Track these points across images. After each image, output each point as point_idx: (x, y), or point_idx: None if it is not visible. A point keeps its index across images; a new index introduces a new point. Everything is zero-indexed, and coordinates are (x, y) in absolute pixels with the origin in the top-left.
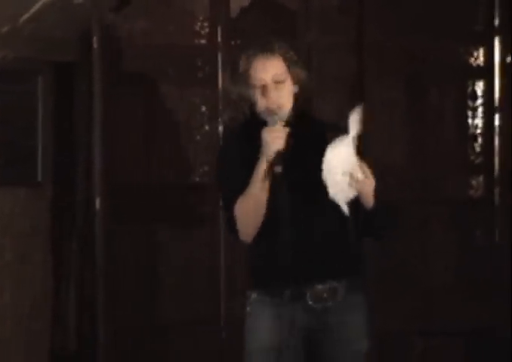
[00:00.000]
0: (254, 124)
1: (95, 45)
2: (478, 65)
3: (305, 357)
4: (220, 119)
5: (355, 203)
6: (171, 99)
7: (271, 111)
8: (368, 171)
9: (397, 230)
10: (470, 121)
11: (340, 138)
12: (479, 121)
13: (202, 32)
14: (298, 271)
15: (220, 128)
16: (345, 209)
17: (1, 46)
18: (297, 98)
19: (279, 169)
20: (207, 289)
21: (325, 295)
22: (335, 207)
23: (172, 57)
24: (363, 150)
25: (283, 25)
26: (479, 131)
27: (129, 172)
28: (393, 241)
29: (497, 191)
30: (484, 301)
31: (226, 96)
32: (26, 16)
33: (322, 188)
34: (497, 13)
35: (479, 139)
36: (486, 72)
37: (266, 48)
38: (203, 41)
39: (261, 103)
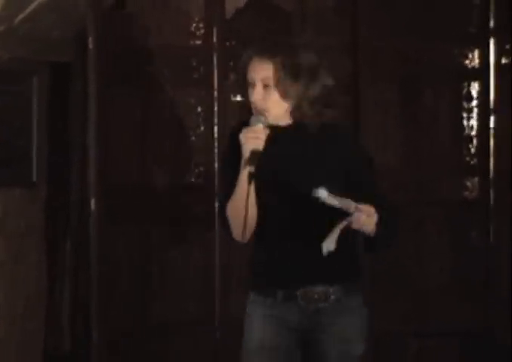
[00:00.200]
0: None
1: (90, 46)
2: (473, 67)
3: (301, 358)
4: (215, 120)
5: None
6: (167, 100)
7: (257, 112)
8: (369, 212)
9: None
10: (465, 122)
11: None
12: (474, 123)
13: (198, 33)
14: (290, 273)
15: (216, 129)
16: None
17: None
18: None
19: (252, 169)
20: (201, 289)
21: (316, 296)
22: (332, 213)
23: (167, 58)
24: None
25: (278, 26)
26: (474, 133)
27: (124, 172)
28: None
29: (492, 192)
30: (479, 302)
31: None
32: (21, 16)
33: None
34: (492, 15)
35: (475, 141)
36: (481, 74)
37: (263, 51)
38: (198, 42)
39: (251, 102)
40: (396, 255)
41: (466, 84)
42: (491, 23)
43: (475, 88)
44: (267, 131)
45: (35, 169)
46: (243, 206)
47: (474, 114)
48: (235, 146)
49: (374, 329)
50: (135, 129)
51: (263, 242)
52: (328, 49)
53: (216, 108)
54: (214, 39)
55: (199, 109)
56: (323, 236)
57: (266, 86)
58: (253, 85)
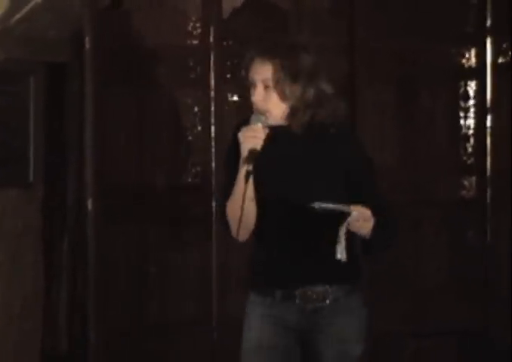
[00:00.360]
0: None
1: (87, 46)
2: (470, 66)
3: (301, 358)
4: (212, 120)
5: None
6: (163, 100)
7: (258, 111)
8: (366, 216)
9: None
10: (462, 121)
11: None
12: (471, 122)
13: (194, 33)
14: (289, 273)
15: (213, 129)
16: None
17: None
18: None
19: (249, 167)
20: (199, 289)
21: (314, 296)
22: (331, 214)
23: (164, 58)
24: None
25: (275, 26)
26: (471, 132)
27: (121, 172)
28: None
29: (489, 191)
30: (477, 301)
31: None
32: (17, 16)
33: (316, 196)
34: (489, 15)
35: (472, 140)
36: (478, 73)
37: (263, 52)
38: (195, 42)
39: (252, 102)
40: (394, 255)
41: (463, 83)
42: (488, 23)
43: (472, 88)
44: (266, 131)
45: (32, 169)
46: (238, 204)
47: (471, 113)
48: (237, 145)
49: (372, 329)
50: (132, 129)
51: (263, 241)
52: (324, 50)
53: (213, 108)
54: (211, 39)
55: (196, 109)
56: (322, 236)
57: (266, 87)
58: (254, 86)
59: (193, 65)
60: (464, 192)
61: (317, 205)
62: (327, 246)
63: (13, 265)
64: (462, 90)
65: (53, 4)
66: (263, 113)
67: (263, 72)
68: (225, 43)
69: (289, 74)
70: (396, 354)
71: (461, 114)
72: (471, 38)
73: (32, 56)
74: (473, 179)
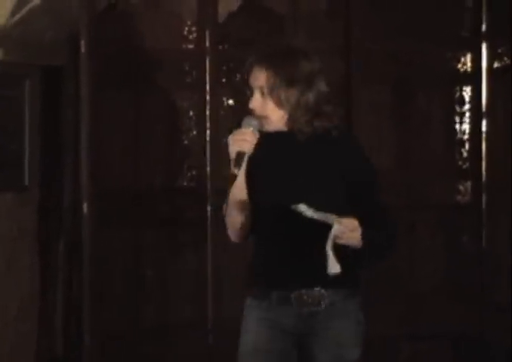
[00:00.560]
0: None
1: (83, 49)
2: (465, 71)
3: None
4: (208, 124)
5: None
6: (159, 104)
7: (257, 117)
8: (352, 226)
9: None
10: (457, 126)
11: None
12: (466, 127)
13: (190, 37)
14: (285, 275)
15: (208, 133)
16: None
17: None
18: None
19: (235, 170)
20: (194, 292)
21: (309, 300)
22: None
23: (160, 61)
24: None
25: (271, 29)
26: (466, 136)
27: (116, 176)
28: None
29: (484, 196)
30: (471, 305)
31: None
32: (13, 20)
33: (313, 200)
34: (484, 19)
35: (467, 145)
36: (474, 78)
37: (259, 59)
38: (191, 46)
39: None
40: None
41: (458, 88)
42: (484, 27)
43: (467, 92)
44: (257, 135)
45: (28, 172)
46: (231, 207)
47: (466, 118)
48: None
49: (367, 332)
50: (128, 132)
51: (261, 244)
52: (320, 51)
53: (208, 112)
54: (207, 43)
55: (192, 113)
56: (319, 240)
57: (263, 94)
58: (252, 92)
59: (189, 69)
60: (459, 197)
61: (302, 207)
62: (323, 251)
63: (8, 268)
64: (457, 94)
65: (49, 7)
66: (262, 119)
67: (259, 79)
68: (221, 47)
69: (285, 80)
70: (391, 358)
71: (457, 118)
72: (467, 43)
73: (27, 59)
74: (469, 183)
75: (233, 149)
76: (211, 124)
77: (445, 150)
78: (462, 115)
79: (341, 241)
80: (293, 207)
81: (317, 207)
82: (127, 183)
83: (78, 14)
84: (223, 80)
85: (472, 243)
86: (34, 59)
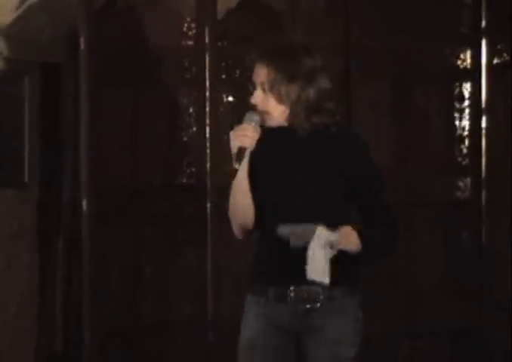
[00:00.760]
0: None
1: (82, 46)
2: (465, 67)
3: (295, 358)
4: (207, 120)
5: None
6: (158, 100)
7: (259, 112)
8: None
9: None
10: (457, 122)
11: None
12: (466, 123)
13: (189, 33)
14: (283, 271)
15: (208, 129)
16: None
17: None
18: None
19: (236, 165)
20: (194, 289)
21: (305, 296)
22: (327, 215)
23: (159, 58)
24: None
25: (270, 25)
26: (466, 133)
27: (116, 173)
28: None
29: (484, 192)
30: (470, 302)
31: None
32: (11, 17)
33: (313, 196)
34: (483, 15)
35: (466, 141)
36: (473, 74)
37: (260, 55)
38: (190, 42)
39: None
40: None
41: (458, 84)
42: (483, 23)
43: (467, 88)
44: (259, 130)
45: (27, 170)
46: (233, 200)
47: (466, 114)
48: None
49: (366, 329)
50: (127, 129)
51: (262, 240)
52: (319, 48)
53: (208, 109)
54: (206, 39)
55: (191, 110)
56: None
57: (264, 89)
58: (254, 88)
59: (188, 66)
60: (458, 193)
61: (281, 231)
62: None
63: (8, 265)
64: (457, 91)
65: (47, 4)
66: (264, 114)
67: (260, 75)
68: (220, 43)
69: (286, 77)
70: (390, 354)
71: (456, 115)
72: (466, 39)
73: (26, 56)
74: (468, 180)
75: (235, 144)
76: (210, 120)
77: (445, 146)
78: (462, 111)
79: (340, 248)
80: (277, 231)
81: (306, 211)
82: (126, 180)
83: (76, 11)
84: (223, 76)
85: (471, 239)
86: (33, 56)
